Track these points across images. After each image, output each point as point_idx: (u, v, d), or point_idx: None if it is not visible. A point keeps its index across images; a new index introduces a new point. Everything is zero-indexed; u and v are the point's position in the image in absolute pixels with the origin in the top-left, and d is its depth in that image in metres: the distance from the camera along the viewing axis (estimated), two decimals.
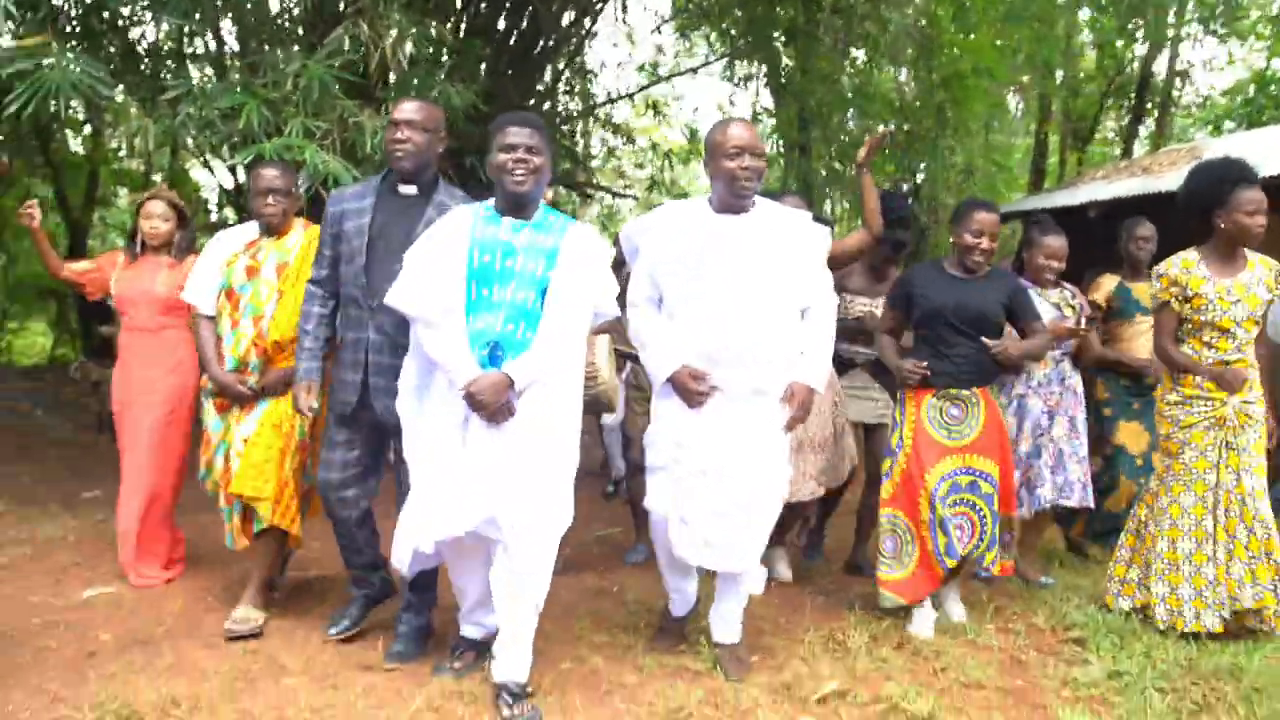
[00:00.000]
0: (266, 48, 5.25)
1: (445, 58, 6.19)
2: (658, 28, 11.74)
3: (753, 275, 3.26)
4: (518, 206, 3.10)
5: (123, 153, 13.56)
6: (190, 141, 5.46)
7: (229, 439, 3.77)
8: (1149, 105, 16.74)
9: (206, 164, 11.16)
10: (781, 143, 11.22)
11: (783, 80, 10.65)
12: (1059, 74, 14.43)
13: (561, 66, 10.76)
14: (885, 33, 8.42)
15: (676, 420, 3.33)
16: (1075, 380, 4.74)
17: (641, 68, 13.79)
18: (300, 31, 5.62)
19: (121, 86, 5.08)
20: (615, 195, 13.55)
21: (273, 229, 3.80)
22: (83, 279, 4.55)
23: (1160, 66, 16.55)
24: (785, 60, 10.62)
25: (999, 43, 8.98)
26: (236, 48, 5.89)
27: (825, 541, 5.09)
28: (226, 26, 6.08)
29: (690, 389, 3.26)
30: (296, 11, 5.01)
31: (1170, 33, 13.26)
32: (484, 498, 2.96)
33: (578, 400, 3.18)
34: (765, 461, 3.33)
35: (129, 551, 4.25)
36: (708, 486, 3.26)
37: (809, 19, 9.52)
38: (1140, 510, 4.11)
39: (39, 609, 3.93)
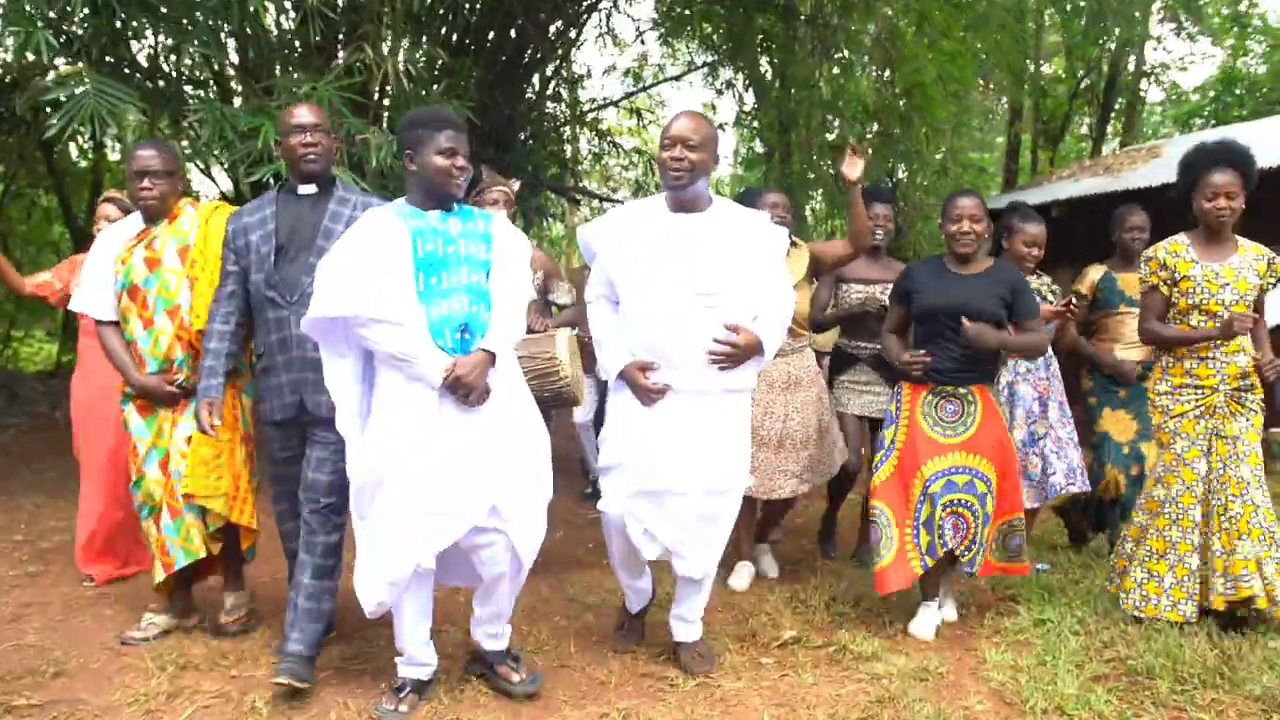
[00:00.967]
0: (279, 72, 5.69)
1: (439, 75, 6.64)
2: (640, 36, 12.10)
3: (706, 275, 3.22)
4: (445, 203, 3.12)
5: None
6: (210, 159, 5.88)
7: (162, 443, 3.59)
8: (1117, 105, 17.26)
9: (207, 172, 11.55)
10: (763, 145, 11.71)
11: (763, 85, 11.13)
12: (1029, 76, 14.92)
13: (549, 74, 11.22)
14: (851, 44, 8.90)
15: (631, 418, 3.31)
16: (1055, 364, 4.78)
17: (627, 73, 14.30)
18: (308, 56, 6.07)
19: (147, 109, 5.51)
20: (602, 199, 13.98)
21: (152, 213, 3.60)
22: (43, 290, 4.67)
23: (1130, 66, 17.06)
24: (764, 67, 11.13)
25: (963, 49, 9.45)
26: (251, 72, 6.33)
27: (836, 533, 5.19)
28: (232, 46, 6.55)
29: (640, 383, 3.25)
30: (307, 38, 5.43)
31: (1138, 34, 13.72)
32: (482, 490, 2.95)
33: (519, 372, 3.22)
34: (724, 464, 3.30)
35: (90, 552, 4.40)
36: (668, 496, 3.24)
37: (786, 28, 10.03)
38: (1139, 513, 4.03)
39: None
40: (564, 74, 11.92)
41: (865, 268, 4.80)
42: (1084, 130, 19.95)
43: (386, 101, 6.19)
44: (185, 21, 5.34)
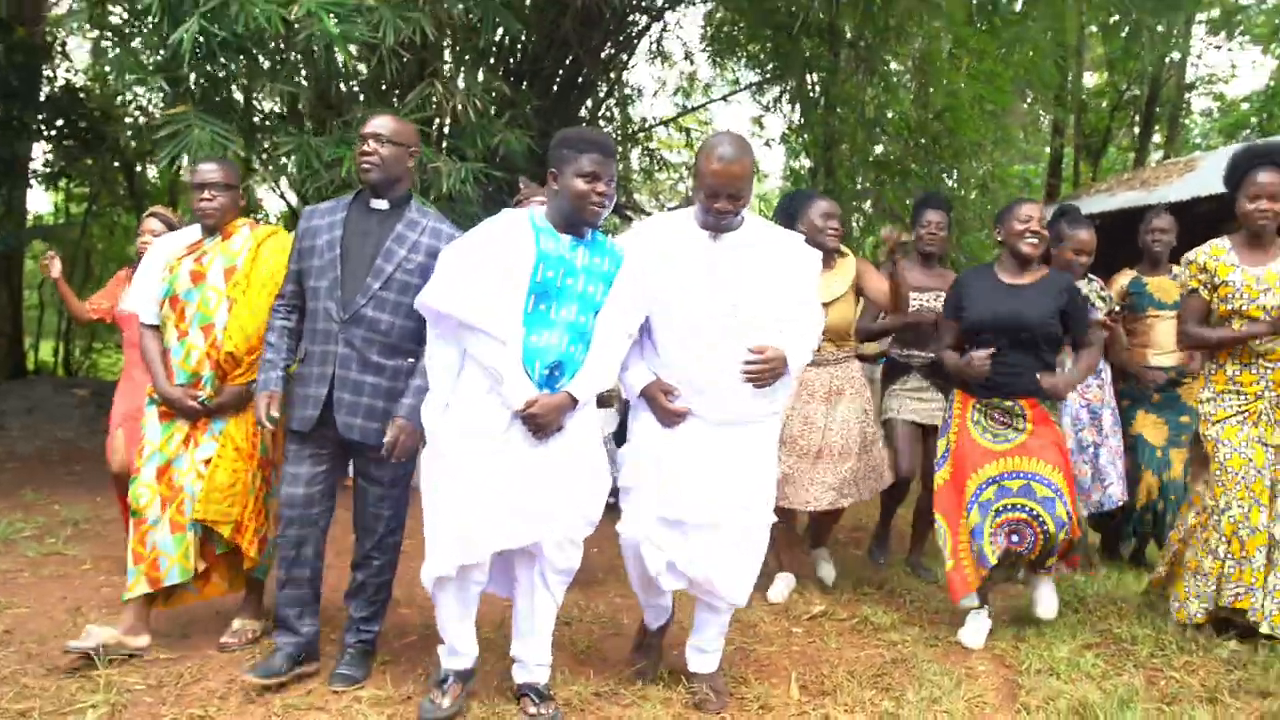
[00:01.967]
0: (360, 106, 6.28)
1: (502, 106, 7.19)
2: (688, 56, 12.62)
3: (734, 300, 3.11)
4: (579, 228, 3.09)
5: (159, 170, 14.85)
6: (297, 186, 6.48)
7: (167, 451, 3.57)
8: (1157, 118, 17.43)
9: (277, 189, 12.25)
10: (809, 160, 12.16)
11: (808, 103, 11.57)
12: (1069, 91, 15.20)
13: (601, 95, 11.78)
14: (887, 68, 9.34)
15: (652, 439, 3.21)
16: (1107, 372, 4.81)
17: (677, 90, 14.84)
18: (385, 91, 6.65)
19: (243, 142, 6.13)
20: (652, 215, 14.49)
21: (210, 226, 3.65)
22: (99, 312, 4.84)
23: (1171, 79, 17.22)
24: (810, 85, 11.59)
25: (999, 70, 9.82)
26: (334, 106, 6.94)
27: (890, 540, 5.22)
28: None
29: (661, 404, 3.16)
30: (385, 75, 6.00)
31: (1176, 50, 13.97)
32: (536, 513, 2.96)
33: (594, 411, 3.24)
34: (749, 497, 3.19)
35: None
36: (691, 527, 3.14)
37: (829, 49, 10.48)
38: (1188, 516, 3.98)
39: None
40: (615, 95, 12.48)
41: (919, 276, 4.78)
42: (1128, 142, 20.11)
43: (446, 129, 6.75)
44: (277, 64, 5.95)
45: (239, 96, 6.53)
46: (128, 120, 12.27)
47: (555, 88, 9.47)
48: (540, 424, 2.92)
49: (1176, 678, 3.40)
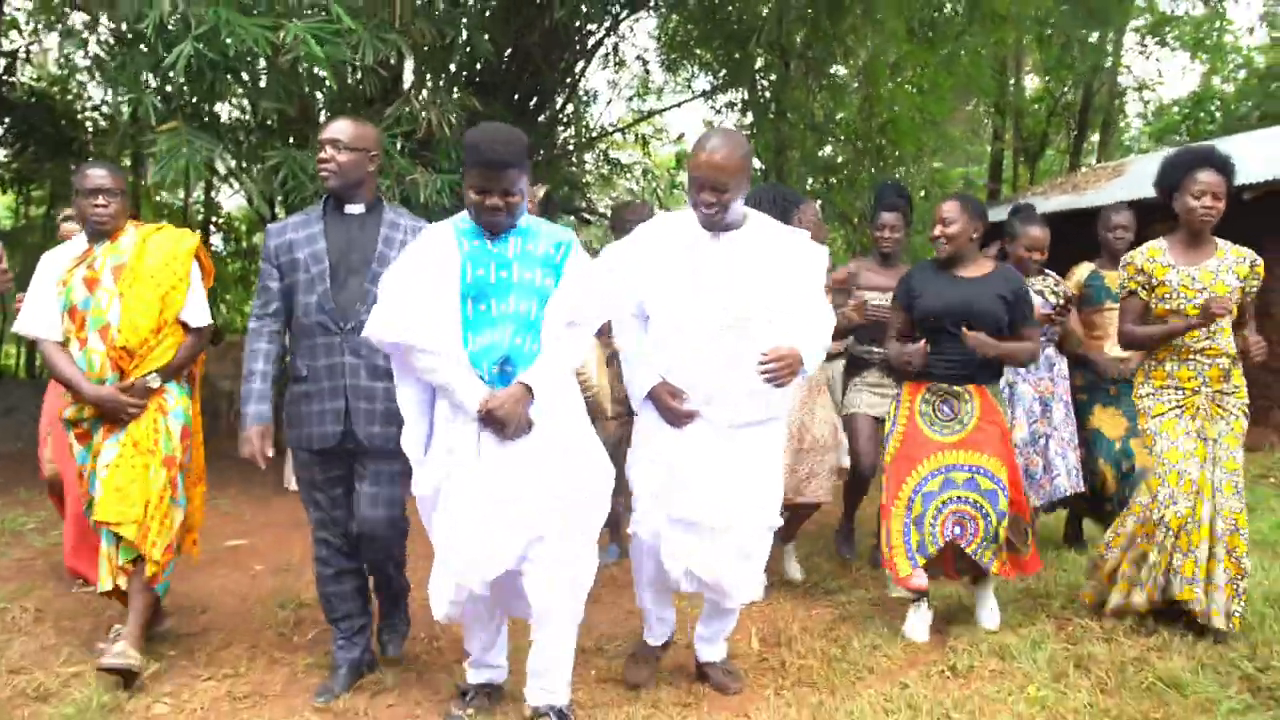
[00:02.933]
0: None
1: (473, 119, 7.59)
2: (643, 62, 13.08)
3: (739, 301, 3.09)
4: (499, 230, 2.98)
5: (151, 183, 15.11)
6: (277, 196, 6.85)
7: (95, 467, 3.53)
8: (1091, 123, 18.24)
9: (246, 194, 12.52)
10: (760, 164, 12.69)
11: (760, 108, 12.07)
12: (1006, 98, 15.92)
13: (559, 104, 12.21)
14: (835, 77, 9.90)
15: (660, 440, 3.19)
16: (1062, 365, 4.91)
17: (631, 98, 15.33)
18: (364, 106, 7.03)
19: (230, 155, 6.49)
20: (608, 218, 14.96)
21: (103, 232, 3.56)
22: None
23: (1105, 87, 18.02)
24: (760, 91, 12.09)
25: (940, 80, 10.40)
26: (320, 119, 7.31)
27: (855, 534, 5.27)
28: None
29: (669, 406, 3.12)
30: (366, 90, 6.39)
31: (1107, 58, 14.69)
32: (526, 523, 2.86)
33: (579, 399, 3.13)
34: (760, 499, 3.21)
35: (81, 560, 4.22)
36: (705, 530, 3.12)
37: (781, 59, 11.00)
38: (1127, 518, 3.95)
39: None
40: (572, 102, 12.91)
41: (877, 275, 4.84)
42: (1065, 145, 20.94)
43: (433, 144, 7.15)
44: (262, 83, 6.31)
45: (226, 112, 6.88)
46: (91, 126, 12.55)
47: (516, 98, 9.88)
48: (503, 420, 2.79)
49: (1082, 624, 3.93)
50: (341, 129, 3.31)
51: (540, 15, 7.44)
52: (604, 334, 4.14)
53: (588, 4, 9.17)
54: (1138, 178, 11.34)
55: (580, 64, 11.91)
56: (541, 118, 11.27)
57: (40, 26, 12.34)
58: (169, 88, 6.11)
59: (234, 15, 5.53)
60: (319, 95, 6.85)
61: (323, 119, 6.87)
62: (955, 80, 10.63)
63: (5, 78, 12.12)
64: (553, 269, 2.97)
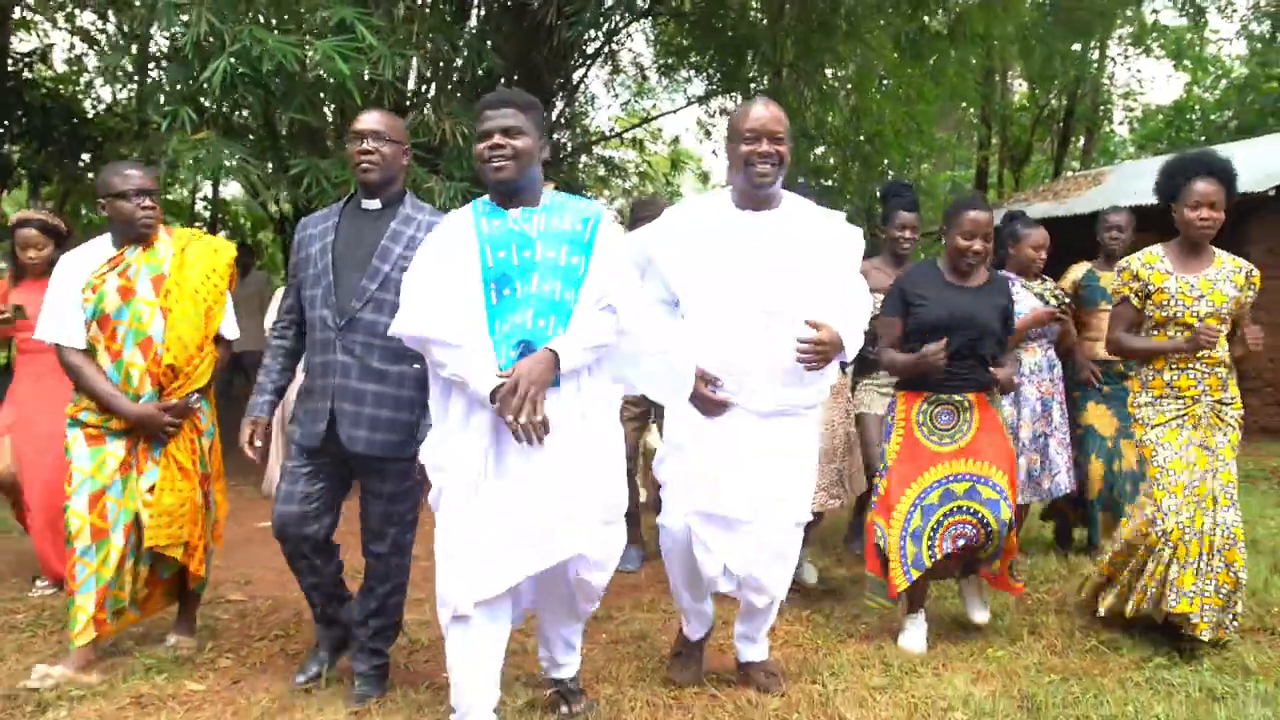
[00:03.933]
0: None
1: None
2: (640, 70, 13.52)
3: (779, 279, 2.98)
4: (513, 195, 2.82)
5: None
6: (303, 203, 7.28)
7: (100, 478, 3.41)
8: (1075, 130, 18.74)
9: (256, 195, 12.91)
10: None
11: None
12: (993, 107, 16.42)
13: (559, 108, 12.65)
14: (827, 85, 10.39)
15: (692, 430, 3.05)
16: (1058, 368, 4.96)
17: (628, 103, 15.81)
18: None
19: (257, 162, 6.90)
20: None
21: (144, 235, 3.45)
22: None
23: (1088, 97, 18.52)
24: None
25: (926, 91, 10.88)
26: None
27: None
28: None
29: (702, 394, 2.98)
30: (384, 102, 6.82)
31: (1090, 68, 15.18)
32: (555, 531, 2.70)
33: (613, 391, 2.96)
34: (791, 493, 3.12)
35: (54, 558, 4.32)
36: (738, 524, 3.05)
37: (773, 70, 11.45)
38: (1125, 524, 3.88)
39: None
40: (571, 108, 13.35)
41: (889, 278, 4.59)
42: (1052, 151, 21.43)
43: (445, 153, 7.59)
44: (288, 94, 6.74)
45: (254, 122, 7.31)
46: (103, 127, 12.94)
47: None
48: (516, 392, 2.57)
49: (1038, 596, 4.39)
50: (381, 120, 3.21)
51: (549, 35, 7.85)
52: None
53: (590, 17, 9.63)
54: (1114, 186, 11.85)
55: (579, 71, 12.39)
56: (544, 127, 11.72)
57: (56, 29, 12.77)
58: (203, 99, 6.52)
59: (265, 35, 5.97)
60: (339, 107, 7.27)
61: (346, 131, 7.31)
62: (941, 90, 11.12)
63: (22, 76, 12.49)
64: (580, 247, 2.81)
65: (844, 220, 3.21)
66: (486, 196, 2.89)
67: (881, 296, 4.18)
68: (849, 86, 10.57)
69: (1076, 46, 14.86)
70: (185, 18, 5.91)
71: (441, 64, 7.30)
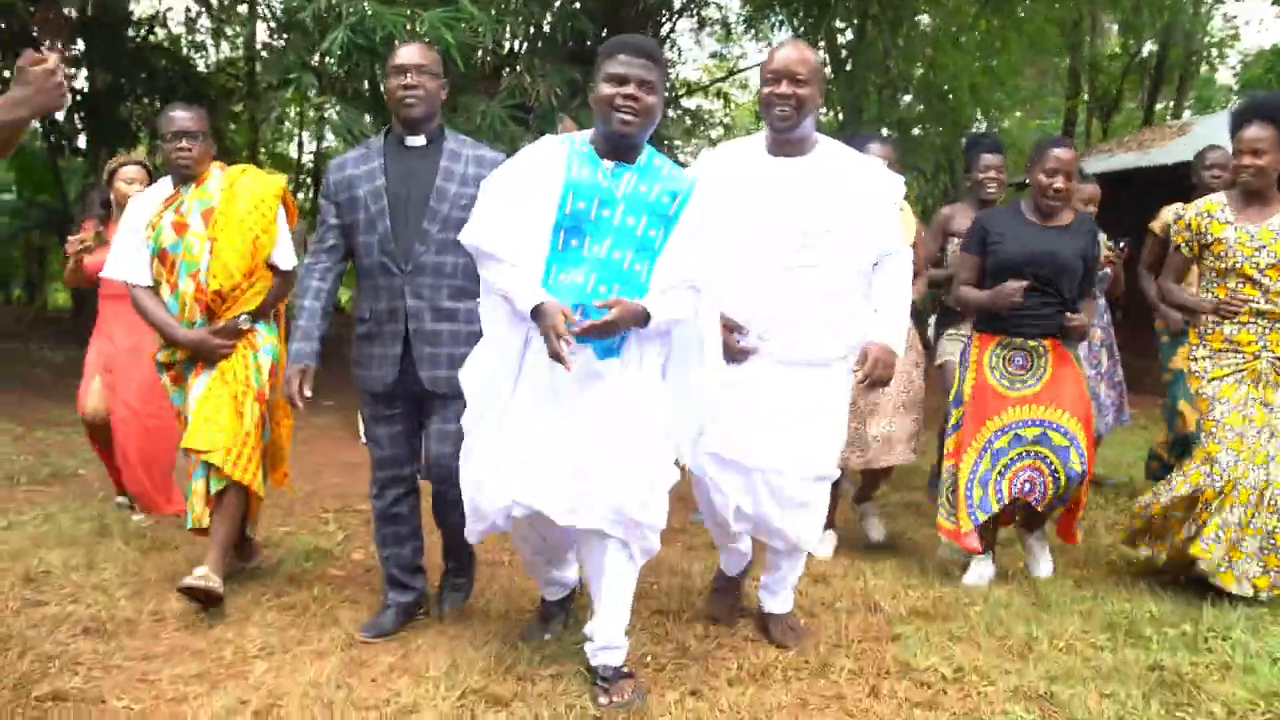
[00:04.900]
0: (461, 94, 7.67)
1: (577, 91, 8.55)
2: (725, 25, 13.79)
3: (812, 225, 2.91)
4: (622, 150, 2.72)
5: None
6: None
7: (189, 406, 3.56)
8: (1167, 79, 18.39)
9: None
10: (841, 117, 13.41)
11: (839, 63, 12.75)
12: (1081, 54, 16.27)
13: None
14: (909, 40, 10.64)
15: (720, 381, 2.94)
16: (1107, 315, 5.02)
17: (715, 54, 16.13)
18: (482, 81, 8.02)
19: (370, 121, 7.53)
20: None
21: (185, 175, 3.54)
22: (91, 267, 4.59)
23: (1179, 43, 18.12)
24: (840, 50, 12.79)
25: (1009, 40, 10.99)
26: None
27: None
28: None
29: (727, 341, 2.92)
30: (484, 67, 7.39)
31: (1181, 15, 14.91)
32: (597, 493, 2.64)
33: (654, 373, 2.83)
34: (825, 444, 3.05)
35: (152, 493, 4.54)
36: (758, 473, 2.99)
37: (858, 20, 11.69)
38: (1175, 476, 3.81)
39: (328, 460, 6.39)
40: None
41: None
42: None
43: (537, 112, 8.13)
44: None
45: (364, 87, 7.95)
46: (219, 84, 13.80)
47: None
48: (601, 325, 2.56)
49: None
50: (422, 54, 3.16)
51: (636, 3, 8.32)
52: None
53: None
54: (1201, 137, 11.78)
55: (666, 25, 12.76)
56: None
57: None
58: (320, 66, 7.17)
59: (378, 7, 6.55)
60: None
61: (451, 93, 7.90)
62: (1023, 40, 11.19)
63: (144, 39, 13.35)
64: (663, 220, 2.73)
65: (881, 166, 3.18)
66: (586, 135, 2.79)
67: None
68: (926, 40, 10.75)
69: None
70: None
71: (534, 28, 7.79)
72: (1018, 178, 10.61)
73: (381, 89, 8.14)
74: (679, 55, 16.39)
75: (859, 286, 3.03)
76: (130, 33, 12.77)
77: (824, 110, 14.84)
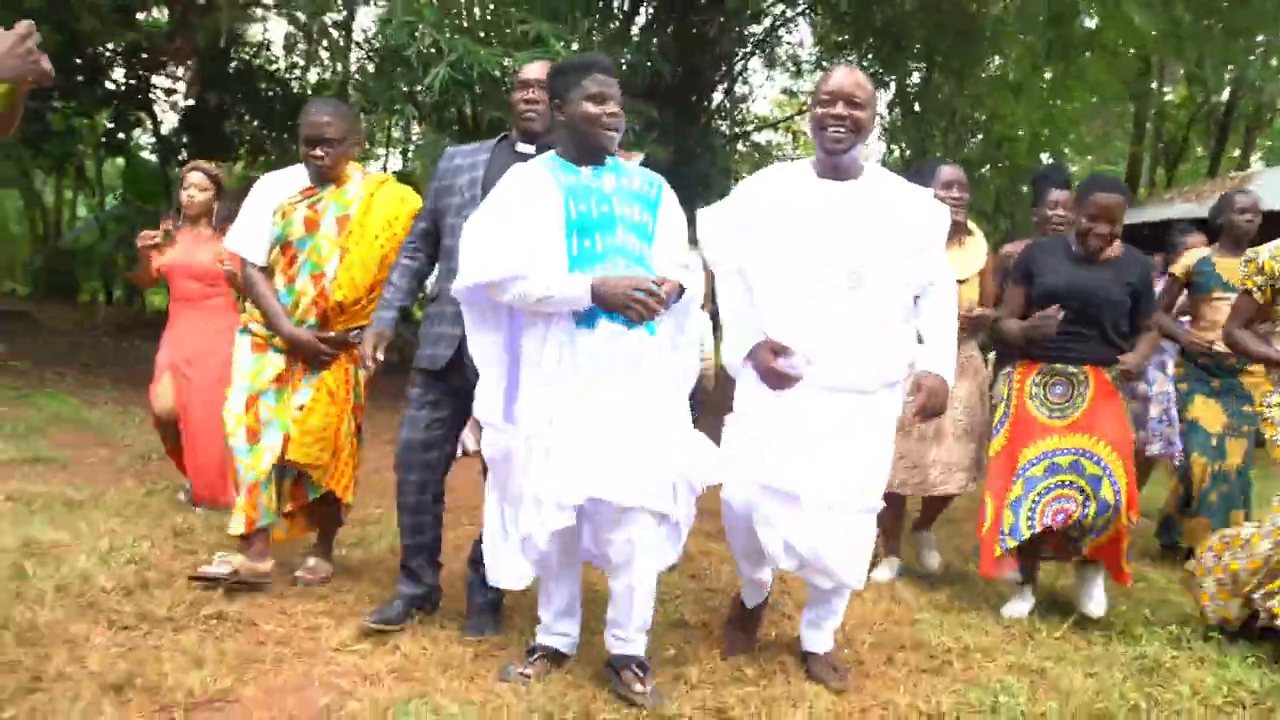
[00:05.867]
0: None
1: (649, 127, 9.15)
2: (795, 63, 14.31)
3: (857, 251, 2.89)
4: (596, 155, 2.90)
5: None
6: None
7: (259, 384, 3.57)
8: (1234, 129, 18.45)
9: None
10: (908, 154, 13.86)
11: (907, 104, 13.20)
12: (1149, 102, 16.50)
13: (718, 100, 13.65)
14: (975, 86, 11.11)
15: (760, 400, 2.98)
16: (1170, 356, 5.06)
17: (785, 90, 16.61)
18: None
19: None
20: None
21: (322, 176, 3.57)
22: (157, 268, 4.78)
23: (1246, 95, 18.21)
24: (909, 92, 13.25)
25: (1072, 89, 11.40)
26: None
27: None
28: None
29: (772, 367, 2.91)
30: None
31: (1247, 69, 15.10)
32: (655, 469, 2.74)
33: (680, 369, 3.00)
34: (874, 475, 2.99)
35: (216, 487, 4.61)
36: (803, 504, 2.89)
37: (925, 68, 12.18)
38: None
39: None
40: (728, 99, 14.32)
41: None
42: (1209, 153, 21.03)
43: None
44: (486, 95, 8.02)
45: (456, 117, 8.66)
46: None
47: (682, 102, 11.38)
48: (648, 305, 2.71)
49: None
50: (544, 69, 3.26)
51: (710, 44, 8.91)
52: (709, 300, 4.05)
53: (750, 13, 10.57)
54: (1264, 190, 11.96)
55: (739, 65, 13.34)
56: (702, 118, 12.77)
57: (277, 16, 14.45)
58: (420, 98, 7.87)
59: (475, 47, 7.23)
60: None
61: None
62: (1086, 88, 11.59)
63: (250, 63, 14.28)
64: (649, 206, 2.94)
65: (929, 196, 3.15)
66: (554, 152, 2.95)
67: None
68: (986, 86, 11.20)
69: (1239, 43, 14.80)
70: (416, 33, 7.23)
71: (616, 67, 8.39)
72: None
73: (468, 117, 8.92)
74: (750, 91, 17.02)
75: (904, 314, 3.04)
76: (232, 54, 13.69)
77: (890, 148, 15.39)
